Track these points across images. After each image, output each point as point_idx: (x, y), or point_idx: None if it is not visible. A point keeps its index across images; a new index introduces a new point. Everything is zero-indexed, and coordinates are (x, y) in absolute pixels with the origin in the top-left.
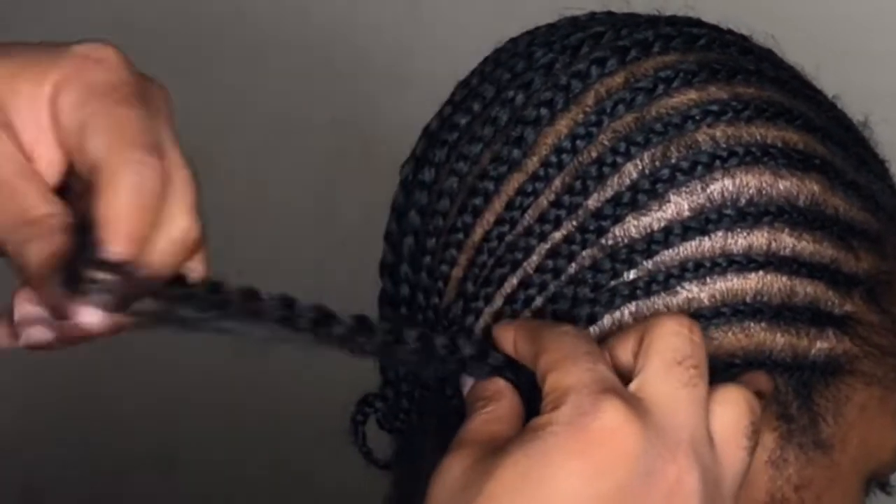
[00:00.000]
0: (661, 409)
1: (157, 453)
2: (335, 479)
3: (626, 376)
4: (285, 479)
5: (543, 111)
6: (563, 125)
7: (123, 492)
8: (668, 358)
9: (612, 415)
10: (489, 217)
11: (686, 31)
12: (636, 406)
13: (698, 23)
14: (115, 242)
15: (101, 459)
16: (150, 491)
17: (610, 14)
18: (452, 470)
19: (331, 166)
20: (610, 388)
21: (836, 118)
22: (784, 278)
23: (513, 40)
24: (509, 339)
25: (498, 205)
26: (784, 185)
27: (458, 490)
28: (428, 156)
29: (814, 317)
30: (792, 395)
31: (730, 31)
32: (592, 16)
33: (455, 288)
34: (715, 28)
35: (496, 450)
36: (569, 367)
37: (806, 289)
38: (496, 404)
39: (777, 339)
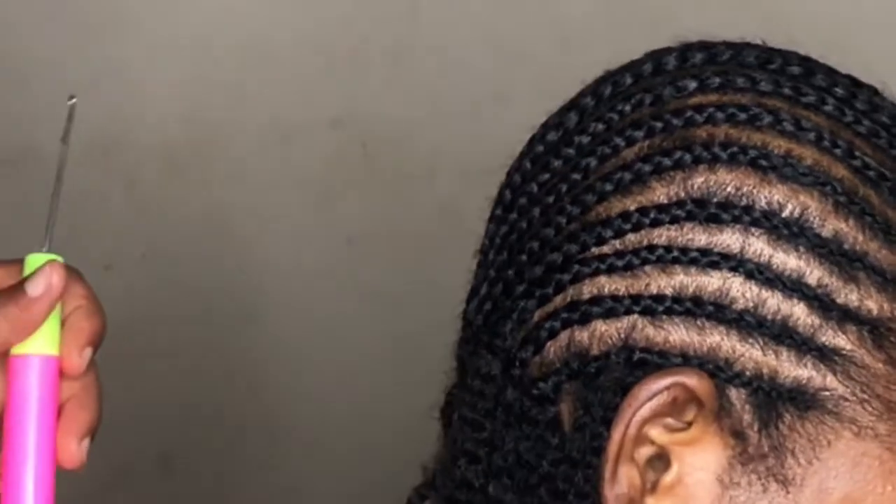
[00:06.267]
0: None
1: (156, 453)
2: (332, 482)
3: None
4: (285, 481)
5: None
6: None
7: (122, 492)
8: None
9: None
10: None
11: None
12: None
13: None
14: None
15: (101, 459)
16: (149, 491)
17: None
18: None
19: (331, 167)
20: None
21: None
22: (752, 284)
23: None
24: None
25: None
26: (770, 192)
27: None
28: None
29: (782, 335)
30: (750, 414)
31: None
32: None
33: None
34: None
35: None
36: None
37: (780, 303)
38: None
39: (736, 347)
